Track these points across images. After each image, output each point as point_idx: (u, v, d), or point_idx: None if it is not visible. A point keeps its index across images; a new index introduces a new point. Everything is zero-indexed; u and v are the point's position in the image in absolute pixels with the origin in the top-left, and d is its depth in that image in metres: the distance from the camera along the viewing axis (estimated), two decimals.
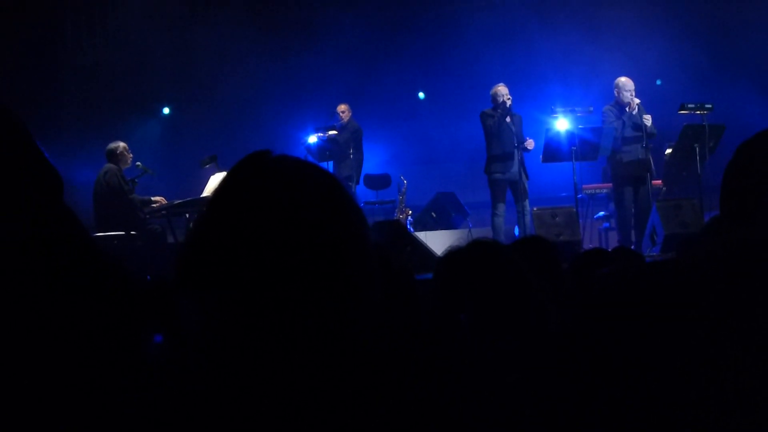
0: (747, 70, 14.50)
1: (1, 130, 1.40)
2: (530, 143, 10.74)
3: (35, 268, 1.31)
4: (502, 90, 10.78)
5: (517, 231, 11.35)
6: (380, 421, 1.31)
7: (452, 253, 2.38)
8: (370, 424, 1.31)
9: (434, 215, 13.61)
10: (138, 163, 10.71)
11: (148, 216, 10.28)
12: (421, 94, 16.41)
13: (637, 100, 10.36)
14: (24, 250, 1.31)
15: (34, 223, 1.34)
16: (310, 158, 10.92)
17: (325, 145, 12.28)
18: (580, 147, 10.43)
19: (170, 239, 10.29)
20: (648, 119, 10.27)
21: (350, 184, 11.91)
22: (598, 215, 12.85)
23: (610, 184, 11.10)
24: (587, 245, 10.94)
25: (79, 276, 1.35)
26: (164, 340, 1.43)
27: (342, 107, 12.56)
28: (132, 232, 9.89)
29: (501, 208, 10.72)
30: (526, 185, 10.69)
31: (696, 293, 1.57)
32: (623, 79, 10.53)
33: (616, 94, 10.54)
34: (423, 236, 10.69)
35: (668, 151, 11.86)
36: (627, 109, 10.37)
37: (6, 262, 1.29)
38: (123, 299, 1.41)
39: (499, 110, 10.71)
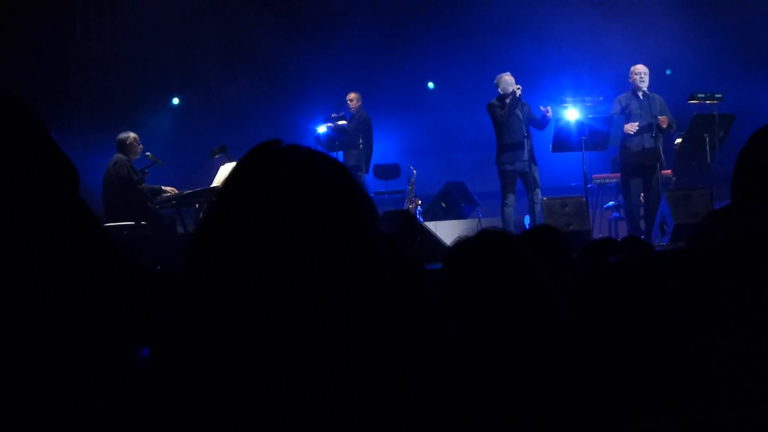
0: (757, 59, 14.43)
1: (15, 120, 1.39)
2: (549, 111, 10.65)
3: (47, 262, 1.31)
4: (508, 79, 10.73)
5: (527, 220, 11.33)
6: (387, 413, 1.31)
7: (460, 244, 2.37)
8: (377, 416, 1.31)
9: (444, 205, 13.59)
10: (148, 153, 10.71)
11: (157, 206, 10.29)
12: (431, 84, 16.38)
13: (643, 86, 10.34)
14: (36, 243, 1.31)
15: (48, 216, 1.34)
16: (320, 148, 10.89)
17: (335, 135, 12.25)
18: (590, 137, 10.41)
19: (180, 229, 10.30)
20: (664, 121, 10.24)
21: (359, 174, 11.89)
22: (607, 205, 12.83)
23: (620, 174, 11.08)
24: (597, 235, 10.93)
25: (90, 271, 1.35)
26: (154, 350, 1.42)
27: (351, 95, 12.54)
28: (142, 223, 9.89)
29: (511, 198, 10.70)
30: (537, 175, 10.66)
31: (705, 282, 1.56)
32: (636, 66, 10.52)
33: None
34: (432, 226, 10.68)
35: (678, 140, 11.82)
36: (640, 94, 10.36)
37: (18, 255, 1.28)
38: (132, 297, 1.41)
39: (508, 100, 10.66)
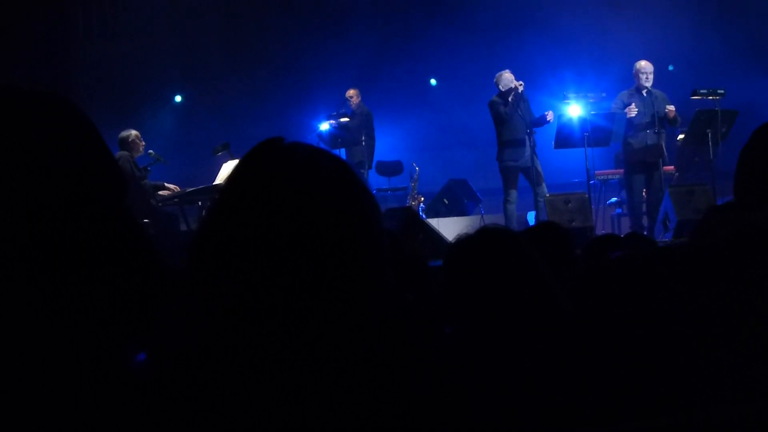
0: (760, 55, 14.42)
1: (76, 128, 1.41)
2: (550, 114, 10.67)
3: (90, 263, 1.31)
4: (508, 76, 10.72)
5: (530, 216, 11.33)
6: (389, 411, 1.31)
7: (460, 241, 2.37)
8: (379, 414, 1.31)
9: (446, 202, 13.59)
10: (150, 151, 10.72)
11: (160, 204, 10.29)
12: (433, 81, 16.37)
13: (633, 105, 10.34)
14: (85, 249, 1.31)
15: (96, 221, 1.34)
16: (323, 145, 10.91)
17: (337, 132, 12.25)
18: (593, 133, 10.40)
19: (183, 227, 10.30)
20: (672, 111, 10.24)
21: (362, 171, 11.88)
22: (610, 201, 12.82)
23: (623, 170, 11.08)
24: (600, 231, 10.94)
25: (104, 277, 1.35)
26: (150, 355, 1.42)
27: (350, 92, 12.51)
28: (145, 220, 9.89)
29: (513, 194, 10.69)
30: (540, 170, 10.66)
31: (707, 279, 1.56)
32: (640, 63, 10.51)
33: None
34: (435, 223, 10.67)
35: (681, 136, 11.81)
36: (644, 93, 10.35)
37: (62, 255, 1.29)
38: (133, 302, 1.41)
39: (510, 97, 10.65)
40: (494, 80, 10.89)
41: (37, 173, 1.28)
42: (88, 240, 1.30)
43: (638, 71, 10.46)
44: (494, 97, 10.82)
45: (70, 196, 1.30)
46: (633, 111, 10.21)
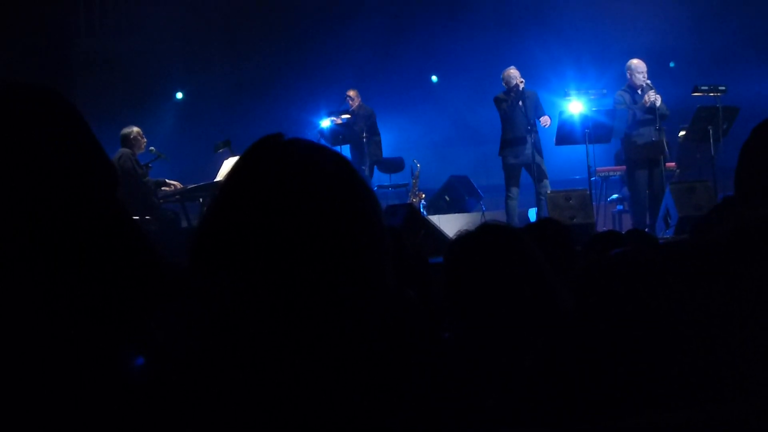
0: (762, 51, 14.41)
1: (62, 119, 1.40)
2: (546, 120, 10.69)
3: (85, 262, 1.31)
4: (513, 73, 10.75)
5: (531, 213, 11.34)
6: (390, 409, 1.31)
7: (461, 237, 2.36)
8: (380, 413, 1.31)
9: (448, 199, 13.59)
10: (152, 148, 10.71)
11: (161, 200, 10.29)
12: (434, 78, 16.37)
13: (651, 90, 10.27)
14: (77, 243, 1.30)
15: (90, 217, 1.34)
16: (323, 142, 10.93)
17: (338, 129, 12.25)
18: (594, 130, 10.39)
19: (184, 223, 10.30)
20: (658, 99, 10.17)
21: (363, 168, 11.89)
22: (611, 198, 12.82)
23: (624, 167, 11.07)
24: (601, 228, 10.94)
25: (125, 274, 1.35)
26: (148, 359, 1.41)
27: (351, 93, 12.50)
28: (146, 217, 9.89)
29: (515, 191, 10.72)
30: (543, 166, 10.67)
31: (708, 275, 1.56)
32: (635, 62, 10.47)
33: (629, 77, 10.47)
34: (436, 220, 10.68)
35: (682, 133, 11.80)
36: (639, 92, 10.32)
37: (56, 253, 1.28)
38: (132, 303, 1.40)
39: (512, 94, 10.68)
40: (501, 76, 10.91)
41: (26, 168, 1.27)
42: (81, 236, 1.29)
43: (635, 70, 10.40)
44: (499, 94, 10.87)
45: (60, 190, 1.30)
46: (652, 96, 10.13)
